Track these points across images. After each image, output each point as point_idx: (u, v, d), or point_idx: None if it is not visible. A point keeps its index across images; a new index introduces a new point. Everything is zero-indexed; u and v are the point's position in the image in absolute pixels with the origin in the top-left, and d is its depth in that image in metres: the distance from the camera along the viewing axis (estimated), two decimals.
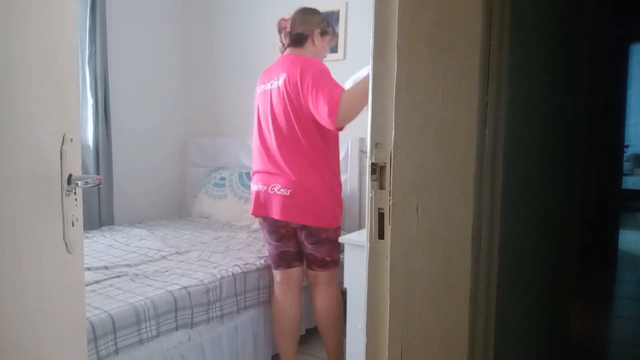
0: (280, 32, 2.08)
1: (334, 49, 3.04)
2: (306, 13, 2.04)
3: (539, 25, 1.06)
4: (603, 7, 3.42)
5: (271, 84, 2.02)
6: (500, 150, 0.72)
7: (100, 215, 3.10)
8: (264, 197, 2.04)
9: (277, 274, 2.17)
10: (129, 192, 3.38)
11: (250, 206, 2.12)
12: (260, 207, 2.06)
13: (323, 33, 2.06)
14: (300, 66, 1.92)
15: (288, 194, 1.96)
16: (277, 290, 2.17)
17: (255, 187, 2.08)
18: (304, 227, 2.01)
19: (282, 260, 2.13)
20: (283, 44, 2.08)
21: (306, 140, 1.93)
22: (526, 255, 1.08)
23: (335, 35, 2.15)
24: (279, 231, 2.08)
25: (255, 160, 2.11)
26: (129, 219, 3.36)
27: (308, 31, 2.02)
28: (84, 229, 2.76)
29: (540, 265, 1.31)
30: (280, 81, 1.97)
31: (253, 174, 2.13)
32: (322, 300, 2.12)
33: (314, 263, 2.09)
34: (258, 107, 2.10)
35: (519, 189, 0.94)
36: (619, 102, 3.89)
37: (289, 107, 1.93)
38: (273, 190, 1.99)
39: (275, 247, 2.12)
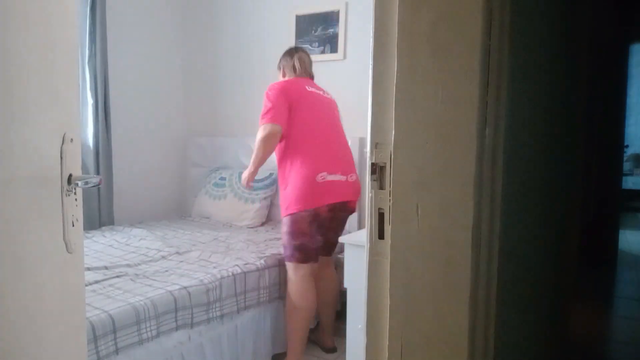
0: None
1: (334, 49, 3.04)
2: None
3: (539, 25, 1.06)
4: (603, 7, 3.41)
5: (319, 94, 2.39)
6: (500, 150, 0.72)
7: (100, 215, 3.10)
8: (345, 185, 2.27)
9: (302, 268, 2.21)
10: (129, 192, 3.38)
11: (319, 194, 2.19)
12: (338, 195, 2.24)
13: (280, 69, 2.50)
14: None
15: (354, 180, 2.32)
16: (301, 283, 2.21)
17: (333, 177, 2.25)
18: (350, 212, 2.35)
19: (316, 254, 2.25)
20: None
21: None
22: (526, 255, 1.08)
23: (288, 64, 2.46)
24: (330, 223, 2.26)
25: (319, 154, 2.26)
26: (129, 219, 3.36)
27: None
28: (84, 229, 2.76)
29: (540, 265, 1.31)
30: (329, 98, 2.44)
31: (316, 166, 2.23)
32: (330, 280, 2.42)
33: (333, 249, 2.39)
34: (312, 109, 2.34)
35: (519, 189, 0.94)
36: (619, 102, 3.89)
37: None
38: (350, 179, 2.29)
39: (317, 240, 2.24)
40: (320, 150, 2.23)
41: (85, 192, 2.74)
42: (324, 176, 2.19)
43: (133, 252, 2.41)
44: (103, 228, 3.00)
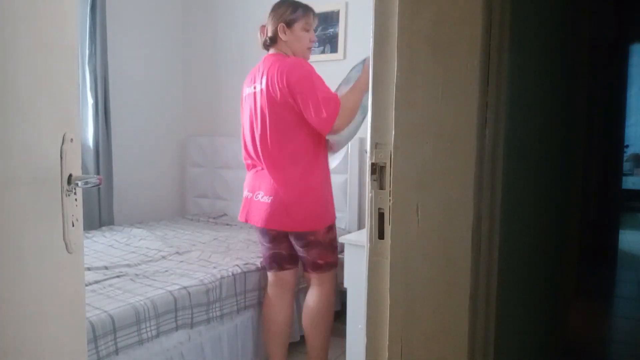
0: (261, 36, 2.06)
1: (334, 49, 3.04)
2: (272, 11, 2.01)
3: (539, 25, 1.06)
4: (603, 7, 3.42)
5: (254, 87, 2.01)
6: (500, 150, 0.72)
7: (100, 215, 3.10)
8: (248, 203, 2.07)
9: (269, 275, 2.15)
10: (129, 192, 3.38)
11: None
12: (245, 213, 2.08)
13: (289, 24, 1.96)
14: (280, 67, 1.87)
15: (269, 201, 1.95)
16: (270, 291, 2.15)
17: (244, 192, 2.12)
18: (291, 232, 2.00)
19: (274, 262, 2.11)
20: (265, 46, 2.06)
21: (292, 141, 1.91)
22: (526, 255, 1.08)
23: (307, 14, 1.99)
24: (270, 233, 2.06)
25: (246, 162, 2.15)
26: (129, 219, 3.36)
27: (274, 30, 1.97)
28: (84, 229, 2.76)
29: (541, 265, 1.31)
30: (263, 84, 1.94)
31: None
32: (311, 299, 2.08)
33: (307, 265, 2.07)
34: (245, 111, 2.12)
35: (519, 189, 0.94)
36: (619, 102, 3.89)
37: (270, 109, 1.91)
38: (257, 197, 2.01)
39: (267, 248, 2.10)
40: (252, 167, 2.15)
41: (85, 192, 2.75)
42: (245, 193, 2.12)
43: (133, 252, 2.41)
44: (103, 228, 3.00)
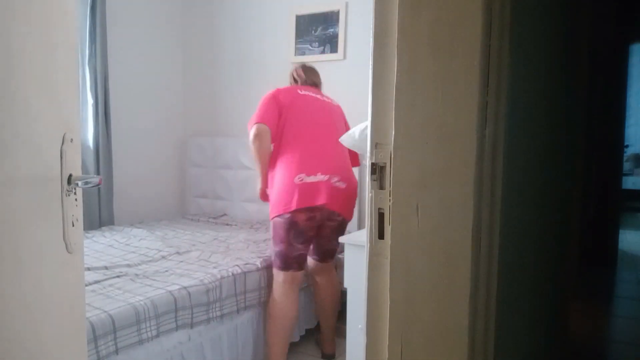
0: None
1: (334, 49, 3.04)
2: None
3: (539, 25, 1.06)
4: (603, 7, 3.41)
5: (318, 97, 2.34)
6: (500, 150, 0.72)
7: (100, 215, 3.10)
8: (325, 187, 2.10)
9: (282, 275, 2.16)
10: (129, 192, 3.38)
11: (294, 198, 2.07)
12: (316, 197, 2.08)
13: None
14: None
15: (344, 186, 2.14)
16: (280, 290, 2.17)
17: (313, 178, 2.10)
18: (341, 221, 2.20)
19: (297, 262, 2.16)
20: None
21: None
22: (526, 255, 1.08)
23: (290, 75, 2.47)
24: (312, 231, 2.14)
25: (302, 156, 2.16)
26: (129, 219, 3.36)
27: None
28: (84, 229, 2.76)
29: (541, 265, 1.31)
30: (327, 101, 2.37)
31: (296, 168, 2.13)
32: (330, 282, 2.32)
33: (329, 256, 2.28)
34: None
35: (519, 188, 0.94)
36: (619, 102, 3.89)
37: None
38: (335, 183, 2.12)
39: (297, 249, 2.13)
40: (305, 152, 2.15)
41: (85, 192, 2.75)
42: (302, 177, 2.08)
43: (133, 252, 2.41)
44: (103, 228, 3.00)
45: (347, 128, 2.33)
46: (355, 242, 1.91)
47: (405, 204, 0.73)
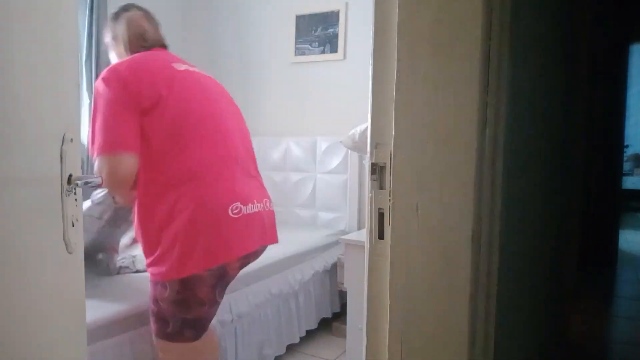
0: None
1: (334, 49, 3.04)
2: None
3: (539, 26, 1.06)
4: (603, 7, 3.42)
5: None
6: (500, 150, 0.72)
7: None
8: (266, 217, 1.50)
9: (200, 345, 1.44)
10: None
11: (231, 240, 1.36)
12: (262, 235, 1.48)
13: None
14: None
15: (271, 207, 1.55)
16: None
17: (251, 207, 1.42)
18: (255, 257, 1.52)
19: (207, 323, 1.47)
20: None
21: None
22: (526, 255, 1.08)
23: (120, 31, 1.53)
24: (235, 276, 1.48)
25: (223, 174, 1.40)
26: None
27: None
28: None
29: (540, 265, 1.31)
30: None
31: (223, 194, 1.37)
32: (215, 341, 1.58)
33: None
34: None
35: (519, 189, 0.94)
36: (619, 102, 3.89)
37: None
38: (268, 206, 1.52)
39: (217, 305, 1.46)
40: (223, 167, 1.39)
41: (85, 192, 2.74)
42: (239, 207, 1.36)
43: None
44: None
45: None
46: (355, 242, 1.91)
47: (405, 204, 0.73)
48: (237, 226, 1.36)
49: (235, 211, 1.35)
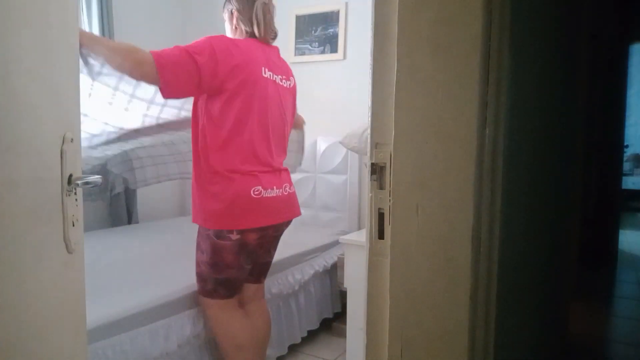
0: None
1: (334, 49, 3.04)
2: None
3: (539, 25, 1.06)
4: (603, 7, 3.42)
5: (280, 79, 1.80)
6: (500, 150, 0.72)
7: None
8: (282, 200, 1.77)
9: (231, 302, 1.79)
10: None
11: (251, 213, 1.67)
12: (278, 213, 1.77)
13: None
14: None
15: (293, 190, 1.86)
16: (234, 320, 1.80)
17: (270, 192, 1.72)
18: (285, 229, 1.87)
19: (242, 284, 1.83)
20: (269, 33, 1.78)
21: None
22: (526, 255, 1.08)
23: (245, 10, 1.72)
24: (268, 245, 1.83)
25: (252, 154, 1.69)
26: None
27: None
28: (87, 230, 2.76)
29: (541, 265, 1.31)
30: (292, 82, 1.89)
31: (251, 173, 1.68)
32: (265, 307, 1.94)
33: (264, 274, 1.92)
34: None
35: (519, 189, 0.94)
36: (619, 102, 3.89)
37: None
38: (287, 190, 1.82)
39: (244, 269, 1.77)
40: (260, 160, 1.70)
41: (84, 192, 2.74)
42: (259, 190, 1.67)
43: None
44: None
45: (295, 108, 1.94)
46: (355, 242, 1.91)
47: (405, 204, 0.73)
48: (259, 204, 1.67)
49: (256, 192, 1.66)
